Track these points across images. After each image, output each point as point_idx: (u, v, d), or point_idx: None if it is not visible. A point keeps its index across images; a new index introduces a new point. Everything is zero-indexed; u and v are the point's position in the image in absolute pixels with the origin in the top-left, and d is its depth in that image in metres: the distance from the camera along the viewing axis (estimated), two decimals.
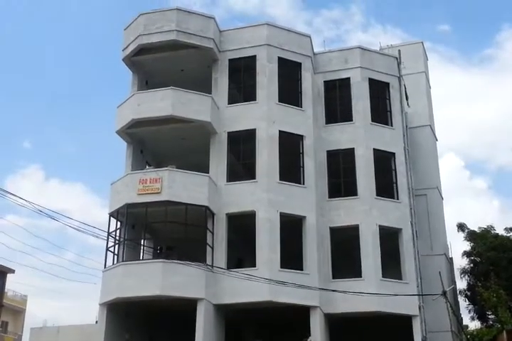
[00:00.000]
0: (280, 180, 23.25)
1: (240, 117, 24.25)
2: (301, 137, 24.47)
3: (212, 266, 21.41)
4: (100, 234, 18.11)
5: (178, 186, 21.88)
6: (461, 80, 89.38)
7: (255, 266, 21.71)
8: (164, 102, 23.18)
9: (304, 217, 23.21)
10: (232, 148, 23.86)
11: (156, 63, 25.35)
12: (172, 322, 22.73)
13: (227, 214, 22.82)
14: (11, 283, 53.72)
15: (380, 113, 26.58)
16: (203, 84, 24.84)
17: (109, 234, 21.64)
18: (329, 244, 23.92)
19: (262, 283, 20.67)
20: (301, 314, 22.01)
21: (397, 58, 28.21)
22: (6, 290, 53.53)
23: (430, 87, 35.17)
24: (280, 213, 22.74)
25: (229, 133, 24.05)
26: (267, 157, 23.37)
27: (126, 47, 25.40)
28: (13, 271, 52.40)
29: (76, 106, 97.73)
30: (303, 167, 24.05)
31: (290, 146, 24.16)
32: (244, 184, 23.27)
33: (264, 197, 22.75)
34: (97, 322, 22.03)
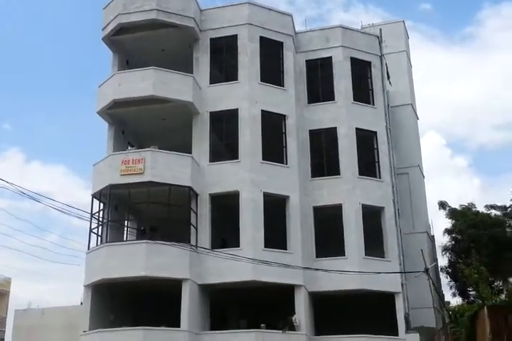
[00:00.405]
0: (263, 159, 23.26)
1: (222, 97, 24.12)
2: (283, 117, 24.44)
3: (196, 247, 21.43)
4: (83, 215, 17.60)
5: (161, 167, 21.81)
6: (443, 59, 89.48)
7: (239, 246, 21.80)
8: (145, 82, 23.00)
9: (288, 196, 23.24)
10: (215, 128, 23.76)
11: (136, 43, 25.06)
12: (157, 302, 22.66)
13: (210, 194, 22.79)
14: None
15: (362, 92, 26.57)
16: (184, 64, 24.61)
17: (92, 215, 21.54)
18: (312, 223, 24.00)
19: (246, 263, 20.73)
20: (285, 293, 22.14)
21: (378, 37, 28.15)
22: None
23: (411, 66, 35.23)
24: (263, 193, 22.75)
25: (211, 113, 23.93)
26: (249, 137, 23.31)
27: (106, 26, 25.12)
28: None
29: (57, 87, 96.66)
30: (285, 147, 24.04)
31: (273, 126, 24.13)
32: (227, 164, 23.26)
33: (247, 177, 22.77)
34: (82, 303, 21.93)
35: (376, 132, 26.02)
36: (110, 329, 20.59)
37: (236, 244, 22.04)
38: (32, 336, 25.50)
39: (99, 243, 21.72)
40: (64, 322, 24.13)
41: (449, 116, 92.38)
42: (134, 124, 24.73)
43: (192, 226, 21.85)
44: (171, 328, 20.54)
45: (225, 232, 23.05)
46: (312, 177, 24.79)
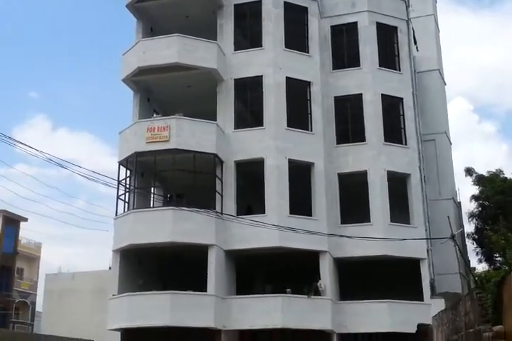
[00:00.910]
0: (288, 126, 23.19)
1: (247, 64, 23.97)
2: (308, 83, 24.26)
3: (221, 213, 21.59)
4: (110, 182, 17.90)
5: (186, 134, 21.89)
6: (471, 23, 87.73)
7: (264, 213, 21.94)
8: (170, 49, 22.94)
9: (312, 163, 23.25)
10: (239, 95, 23.68)
11: (160, 9, 25.00)
12: (184, 267, 22.96)
13: (235, 161, 22.86)
14: (25, 231, 54.56)
15: (388, 57, 26.19)
16: (208, 31, 24.51)
17: (119, 182, 21.75)
18: (338, 190, 23.92)
19: (271, 229, 20.83)
20: (310, 259, 22.28)
21: (405, 1, 27.61)
22: (20, 238, 54.46)
23: (439, 31, 34.57)
24: (288, 160, 22.77)
25: (235, 80, 23.83)
26: (274, 104, 23.19)
27: None
28: (25, 220, 53.33)
29: (81, 55, 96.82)
30: (310, 113, 23.90)
31: (297, 93, 23.94)
32: (252, 131, 23.23)
33: (272, 144, 22.77)
34: (110, 268, 22.31)
35: (402, 98, 25.69)
36: (139, 293, 20.95)
37: (261, 210, 22.19)
38: (63, 299, 26.10)
39: (126, 209, 21.99)
40: (93, 286, 24.63)
41: (477, 82, 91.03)
42: (159, 92, 24.69)
43: (217, 193, 21.94)
44: (198, 292, 20.80)
45: (250, 199, 23.16)
46: (337, 143, 24.66)
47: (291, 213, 22.13)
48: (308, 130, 23.64)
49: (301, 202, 22.66)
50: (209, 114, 23.07)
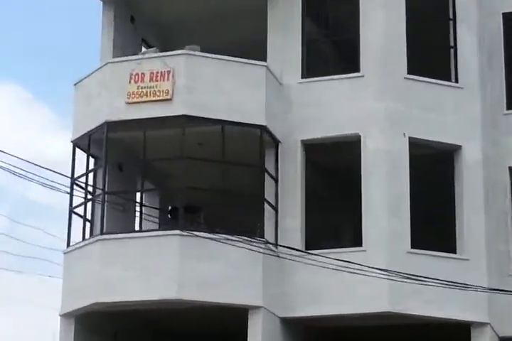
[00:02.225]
0: (409, 73, 14.02)
1: None
2: None
3: (275, 245, 13.15)
4: (54, 181, 10.00)
5: (206, 86, 13.29)
6: None
7: (361, 245, 13.48)
8: None
9: (458, 146, 14.06)
10: (311, 7, 14.58)
11: None
12: None
13: (303, 142, 14.00)
14: None
15: None
16: None
17: (73, 181, 13.26)
18: (511, 199, 14.65)
19: (375, 279, 12.42)
20: (451, 333, 13.60)
21: None
22: None
23: None
24: (409, 140, 13.79)
25: None
26: (381, 27, 14.08)
27: None
28: None
29: None
30: (455, 47, 14.55)
31: (428, 5, 14.77)
32: (336, 82, 14.17)
33: (378, 109, 13.79)
34: None
35: None
36: None
37: (354, 240, 13.86)
38: None
39: (88, 235, 13.56)
40: None
41: None
42: (152, 6, 15.53)
43: (267, 205, 13.36)
44: None
45: (333, 216, 14.61)
46: (508, 109, 15.31)
47: (414, 246, 13.29)
48: (450, 81, 14.43)
49: (432, 224, 14.10)
50: (250, 47, 14.59)
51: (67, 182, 11.75)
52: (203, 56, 13.19)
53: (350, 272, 12.04)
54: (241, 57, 13.52)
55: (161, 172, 14.39)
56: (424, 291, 12.58)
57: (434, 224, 13.95)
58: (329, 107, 13.80)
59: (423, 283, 12.28)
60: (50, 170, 9.45)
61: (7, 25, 38.32)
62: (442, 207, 14.17)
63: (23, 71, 39.44)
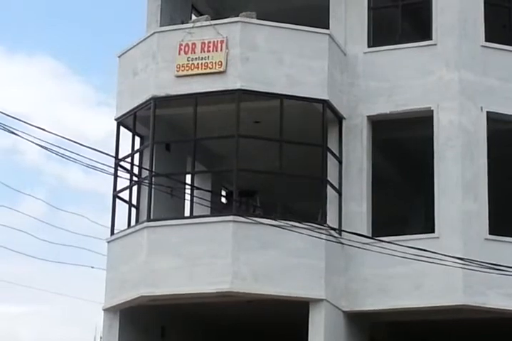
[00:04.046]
0: (488, 41, 12.67)
1: None
2: None
3: (339, 231, 12.06)
4: (96, 162, 8.69)
5: (263, 57, 12.08)
6: None
7: (433, 231, 12.20)
8: None
9: None
10: None
11: None
12: None
13: (369, 117, 12.76)
14: None
15: None
16: None
17: (117, 163, 11.97)
18: None
19: (448, 268, 11.28)
20: None
21: None
22: None
23: None
24: (487, 114, 12.46)
25: None
26: None
27: None
28: None
29: None
30: None
31: None
32: (405, 51, 12.87)
33: (452, 80, 12.40)
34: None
35: None
36: None
37: (426, 225, 12.64)
38: None
39: (134, 221, 12.36)
40: None
41: None
42: None
43: (330, 188, 12.20)
44: None
45: (401, 200, 13.80)
46: None
47: (492, 231, 12.20)
48: None
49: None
50: (310, 14, 13.34)
51: (111, 163, 10.55)
52: (260, 24, 11.98)
53: (424, 261, 10.87)
54: (301, 25, 12.21)
55: (213, 153, 13.41)
56: (504, 282, 11.49)
57: None
58: (398, 79, 12.54)
59: (503, 272, 11.13)
60: (94, 148, 8.17)
61: None
62: None
63: (56, 41, 34.72)
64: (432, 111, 12.14)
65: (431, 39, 12.46)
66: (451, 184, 11.97)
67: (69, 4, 33.89)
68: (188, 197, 12.22)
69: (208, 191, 12.97)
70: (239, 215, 11.26)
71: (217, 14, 14.01)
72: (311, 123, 11.69)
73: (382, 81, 12.47)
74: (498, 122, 12.37)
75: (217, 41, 11.57)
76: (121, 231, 12.19)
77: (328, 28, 12.62)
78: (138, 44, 12.25)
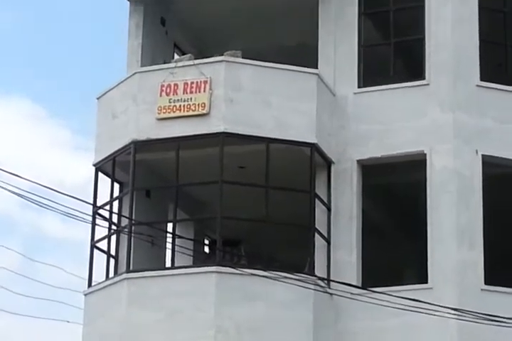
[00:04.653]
0: (483, 80, 12.46)
1: None
2: None
3: (327, 281, 11.71)
4: (74, 208, 8.56)
5: (248, 99, 11.94)
6: None
7: (426, 281, 11.96)
8: None
9: None
10: (369, 4, 13.16)
11: None
12: None
13: (359, 161, 12.63)
14: None
15: None
16: None
17: (96, 211, 11.76)
18: None
19: (442, 321, 10.98)
20: None
21: None
22: None
23: None
24: (483, 157, 12.27)
25: None
26: (450, 26, 12.55)
27: None
28: None
29: None
30: None
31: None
32: (397, 92, 12.61)
33: (446, 122, 12.22)
34: None
35: None
36: None
37: (419, 275, 12.27)
38: None
39: (112, 272, 12.17)
40: None
41: None
42: (186, 5, 13.97)
43: (318, 236, 11.97)
44: None
45: (393, 249, 13.46)
46: None
47: (488, 282, 11.88)
48: None
49: (510, 256, 12.47)
50: (299, 51, 13.56)
51: (89, 211, 10.22)
52: (245, 63, 11.72)
53: (417, 311, 10.46)
54: (289, 64, 11.94)
55: (195, 200, 13.08)
56: (502, 334, 10.99)
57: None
58: (389, 121, 12.24)
59: (501, 324, 10.71)
60: (71, 195, 7.92)
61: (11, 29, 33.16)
62: None
63: (33, 83, 33.80)
64: (425, 154, 11.86)
65: (424, 78, 12.22)
66: (445, 231, 11.64)
67: (46, 44, 33.64)
68: (169, 246, 11.87)
69: (191, 240, 12.67)
70: (222, 265, 10.92)
71: (201, 53, 13.80)
72: (298, 168, 11.38)
73: (372, 123, 12.17)
74: (494, 166, 12.05)
75: (201, 81, 11.27)
76: (99, 283, 11.80)
77: (317, 67, 12.34)
78: (118, 85, 11.98)
